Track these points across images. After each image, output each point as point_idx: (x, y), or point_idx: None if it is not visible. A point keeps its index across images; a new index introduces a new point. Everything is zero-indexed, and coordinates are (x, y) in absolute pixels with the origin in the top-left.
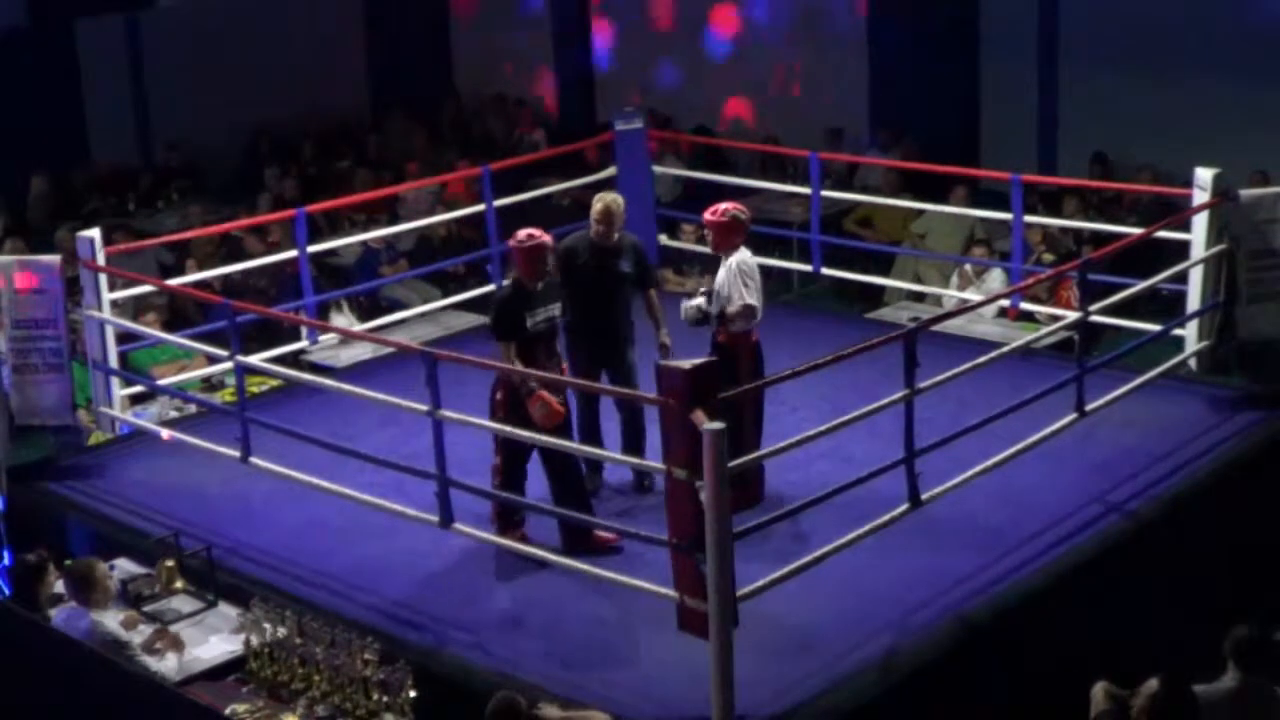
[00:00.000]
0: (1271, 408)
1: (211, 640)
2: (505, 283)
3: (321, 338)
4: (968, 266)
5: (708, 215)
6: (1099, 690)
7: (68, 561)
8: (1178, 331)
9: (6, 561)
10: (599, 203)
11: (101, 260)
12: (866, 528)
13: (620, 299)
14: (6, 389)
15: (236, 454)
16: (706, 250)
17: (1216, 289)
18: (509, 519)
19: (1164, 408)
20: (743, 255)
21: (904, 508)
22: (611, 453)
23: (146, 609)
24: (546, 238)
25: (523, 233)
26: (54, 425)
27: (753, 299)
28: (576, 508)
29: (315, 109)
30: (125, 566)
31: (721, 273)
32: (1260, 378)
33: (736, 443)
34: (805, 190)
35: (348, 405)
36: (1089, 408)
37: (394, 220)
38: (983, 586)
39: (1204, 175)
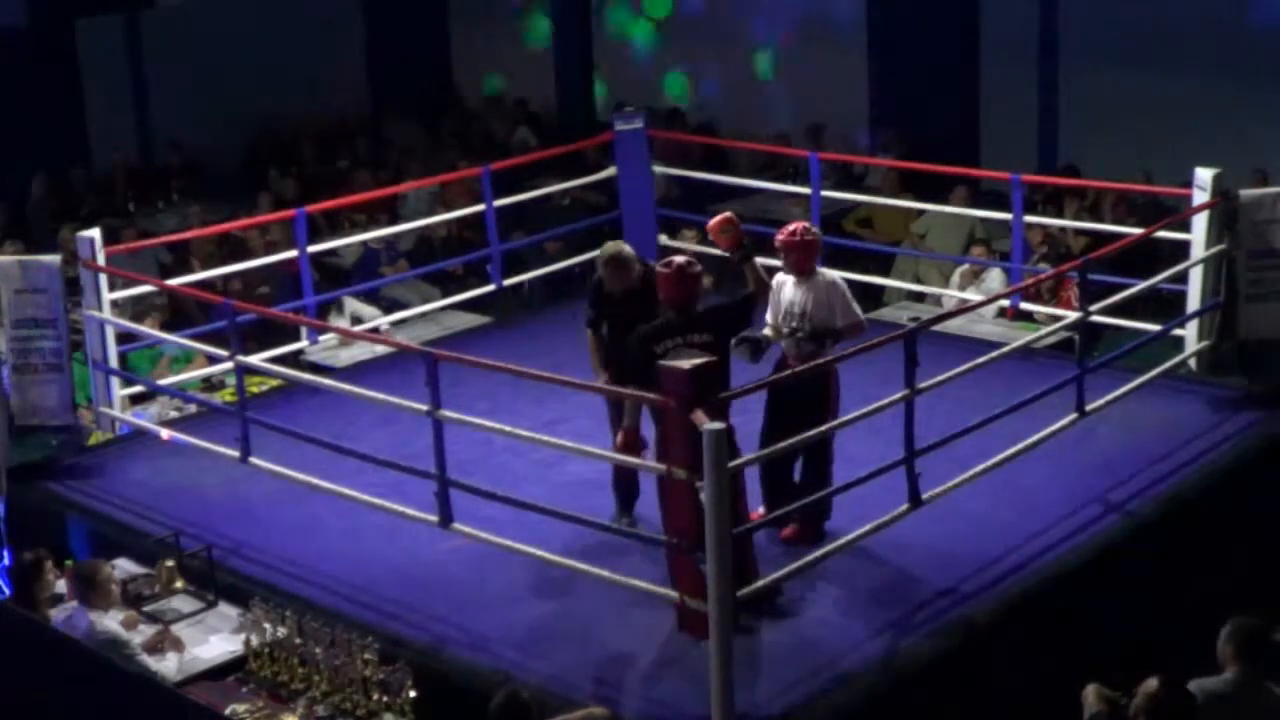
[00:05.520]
0: (1271, 408)
1: (211, 640)
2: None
3: (321, 338)
4: (967, 266)
5: (784, 237)
6: (1091, 692)
7: (68, 561)
8: (1178, 331)
9: (6, 561)
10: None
11: (101, 260)
12: (866, 528)
13: None
14: (6, 389)
15: (236, 454)
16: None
17: (1216, 289)
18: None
19: (1164, 408)
20: (833, 273)
21: (904, 508)
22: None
23: (146, 609)
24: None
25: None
26: (54, 425)
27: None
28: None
29: (315, 109)
30: (125, 566)
31: (800, 291)
32: (1260, 378)
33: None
34: (805, 190)
35: (348, 405)
36: (1089, 408)
37: (394, 220)
38: (983, 586)
39: (1204, 175)
